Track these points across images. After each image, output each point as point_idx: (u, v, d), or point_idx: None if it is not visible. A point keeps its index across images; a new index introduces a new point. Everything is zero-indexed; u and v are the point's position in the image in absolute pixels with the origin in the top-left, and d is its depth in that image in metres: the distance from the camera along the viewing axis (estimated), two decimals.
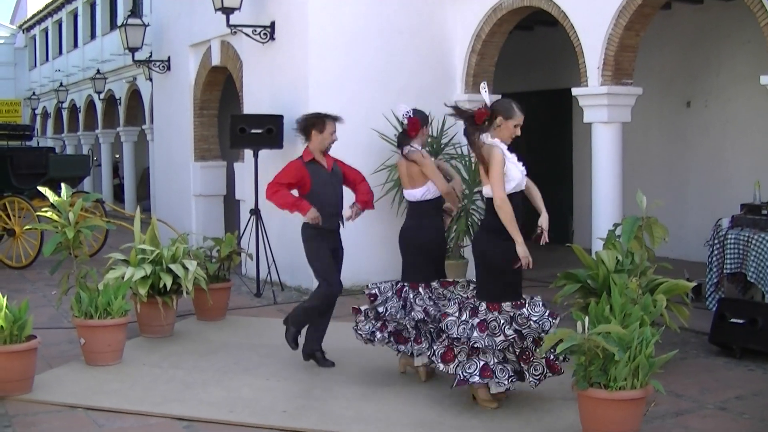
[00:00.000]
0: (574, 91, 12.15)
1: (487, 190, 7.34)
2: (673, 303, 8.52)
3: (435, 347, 7.53)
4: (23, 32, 48.03)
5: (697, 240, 14.12)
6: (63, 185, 9.73)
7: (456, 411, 7.43)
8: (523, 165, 7.54)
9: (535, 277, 14.11)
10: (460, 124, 13.82)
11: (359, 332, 8.41)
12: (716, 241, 10.64)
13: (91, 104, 33.93)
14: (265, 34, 14.30)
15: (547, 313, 7.32)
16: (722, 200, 14.83)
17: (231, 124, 13.57)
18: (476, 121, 7.47)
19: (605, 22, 11.54)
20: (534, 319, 7.25)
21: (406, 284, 8.32)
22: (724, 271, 10.50)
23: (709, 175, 15.49)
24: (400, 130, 9.00)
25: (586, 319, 6.41)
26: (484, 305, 7.32)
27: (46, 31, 43.21)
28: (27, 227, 11.41)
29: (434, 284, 8.26)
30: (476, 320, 7.26)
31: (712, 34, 15.40)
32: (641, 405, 6.43)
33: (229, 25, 14.32)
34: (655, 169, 16.20)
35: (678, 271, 9.99)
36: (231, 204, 17.48)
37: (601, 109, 11.74)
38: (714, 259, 10.62)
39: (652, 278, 8.46)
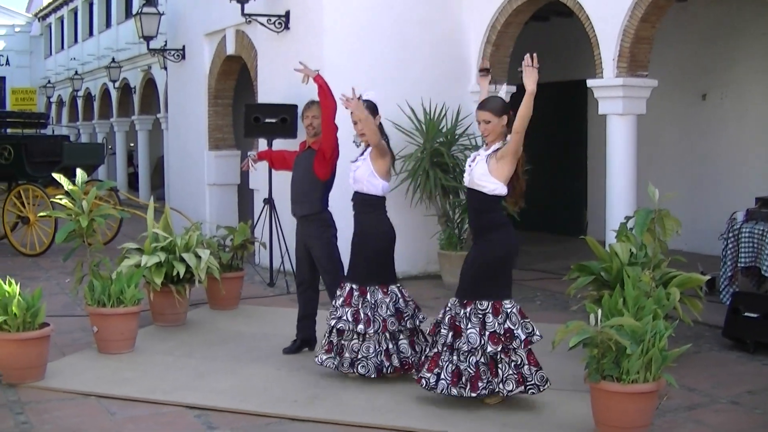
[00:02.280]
0: (589, 82, 12.12)
1: (493, 187, 7.28)
2: (686, 296, 8.50)
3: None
4: (39, 21, 48.11)
5: (711, 233, 14.07)
6: (78, 170, 9.75)
7: (467, 402, 7.41)
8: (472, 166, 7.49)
9: (548, 269, 14.14)
10: (475, 115, 13.90)
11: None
12: (731, 235, 10.60)
13: (106, 93, 34.00)
14: (279, 23, 14.30)
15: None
16: (737, 193, 14.78)
17: (245, 113, 13.58)
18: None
19: (621, 13, 11.50)
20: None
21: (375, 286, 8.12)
22: (739, 264, 10.46)
23: (724, 168, 15.44)
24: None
25: (599, 312, 6.40)
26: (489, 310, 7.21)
27: (61, 19, 43.29)
28: (41, 215, 11.41)
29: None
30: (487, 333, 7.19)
31: (728, 27, 15.34)
32: (653, 398, 6.42)
33: (243, 14, 14.34)
34: (670, 161, 16.16)
35: (692, 265, 9.97)
36: (245, 193, 17.50)
37: (616, 101, 11.70)
38: (728, 252, 10.58)
39: (666, 271, 8.44)
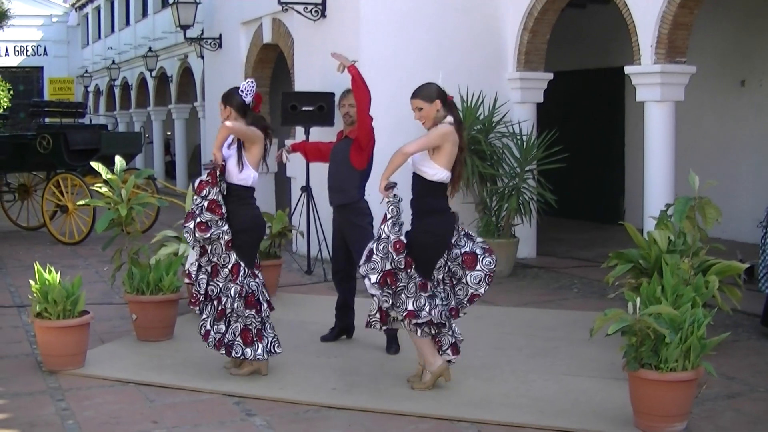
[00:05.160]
0: (627, 69, 12.07)
1: (433, 172, 7.30)
2: (725, 284, 8.46)
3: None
4: (76, 11, 48.33)
5: (750, 221, 13.99)
6: (117, 158, 9.80)
7: (504, 390, 7.42)
8: None
9: (585, 256, 14.10)
10: (512, 103, 13.90)
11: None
12: None
13: (142, 82, 34.12)
14: (316, 11, 14.31)
15: None
16: None
17: (282, 101, 13.60)
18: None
19: None
20: None
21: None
22: None
23: (763, 155, 15.33)
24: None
25: (638, 300, 6.37)
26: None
27: (98, 9, 43.46)
28: (80, 203, 11.50)
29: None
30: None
31: (767, 12, 15.20)
32: (692, 387, 6.39)
33: (280, 2, 14.36)
34: (708, 148, 16.06)
35: (731, 253, 9.91)
36: (282, 181, 17.54)
37: (654, 87, 11.64)
38: (767, 240, 10.51)
39: (705, 259, 8.39)
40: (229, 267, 7.86)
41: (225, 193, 7.95)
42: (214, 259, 7.90)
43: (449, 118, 7.33)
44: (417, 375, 7.62)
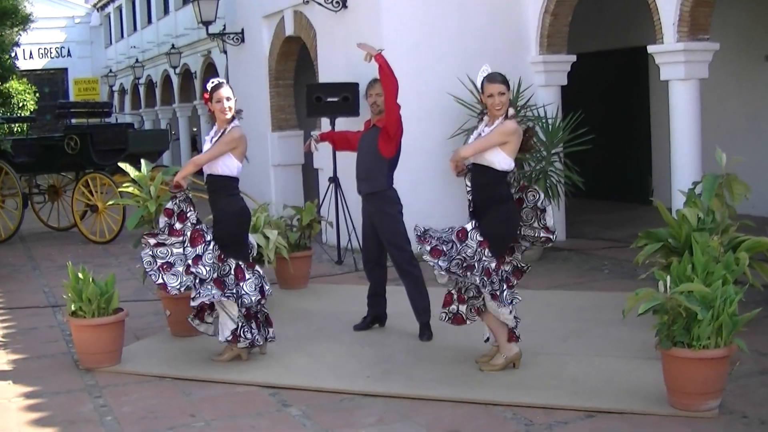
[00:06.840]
0: (650, 48, 12.03)
1: (504, 163, 7.37)
2: (755, 261, 8.44)
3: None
4: (98, 11, 48.50)
5: None
6: (142, 161, 9.87)
7: (538, 372, 7.44)
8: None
9: (615, 237, 14.08)
10: (536, 86, 13.88)
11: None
12: None
13: (167, 79, 34.21)
14: (337, 2, 14.33)
15: None
16: None
17: (307, 93, 13.63)
18: None
19: None
20: None
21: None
22: None
23: None
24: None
25: (668, 279, 6.38)
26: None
27: (120, 8, 43.60)
28: (109, 203, 11.58)
29: None
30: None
31: None
32: (725, 364, 6.39)
33: None
34: (734, 124, 15.98)
35: (760, 229, 9.87)
36: (309, 173, 17.59)
37: (677, 65, 11.61)
38: None
39: (734, 236, 8.38)
40: (232, 271, 8.13)
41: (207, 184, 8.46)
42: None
43: (511, 111, 7.42)
44: (487, 356, 7.73)
